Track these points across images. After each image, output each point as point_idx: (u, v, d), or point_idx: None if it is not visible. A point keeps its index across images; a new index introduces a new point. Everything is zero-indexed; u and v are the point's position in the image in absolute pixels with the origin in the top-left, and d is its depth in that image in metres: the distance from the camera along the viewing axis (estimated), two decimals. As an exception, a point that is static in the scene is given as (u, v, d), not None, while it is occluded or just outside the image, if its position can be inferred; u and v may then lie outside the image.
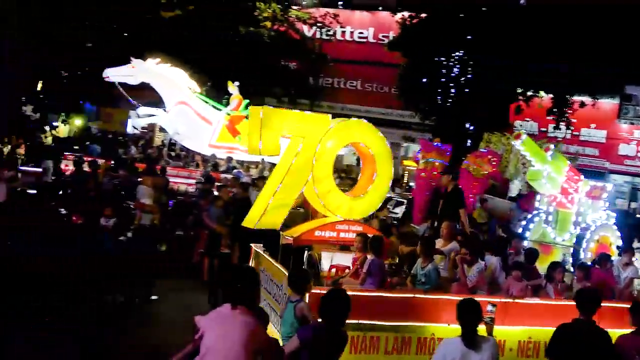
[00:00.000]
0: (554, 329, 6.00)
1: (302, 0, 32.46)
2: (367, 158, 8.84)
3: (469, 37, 24.62)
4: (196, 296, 10.33)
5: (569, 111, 25.75)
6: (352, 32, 35.08)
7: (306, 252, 8.60)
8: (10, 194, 12.31)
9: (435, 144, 14.86)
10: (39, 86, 28.02)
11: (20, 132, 20.80)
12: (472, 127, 25.21)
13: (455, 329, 7.08)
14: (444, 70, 26.12)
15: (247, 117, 16.64)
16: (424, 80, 26.43)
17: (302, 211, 9.68)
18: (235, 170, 18.39)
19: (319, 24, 31.69)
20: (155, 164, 16.19)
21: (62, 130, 29.14)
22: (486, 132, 17.49)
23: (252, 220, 8.10)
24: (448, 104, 26.48)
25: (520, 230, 12.13)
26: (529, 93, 25.73)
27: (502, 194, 16.79)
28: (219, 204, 11.30)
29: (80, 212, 12.11)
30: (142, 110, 16.28)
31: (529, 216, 12.40)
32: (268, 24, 29.39)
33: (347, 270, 8.53)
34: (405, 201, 16.08)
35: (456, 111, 25.50)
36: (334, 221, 8.41)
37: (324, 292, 5.31)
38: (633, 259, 10.21)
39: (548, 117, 26.67)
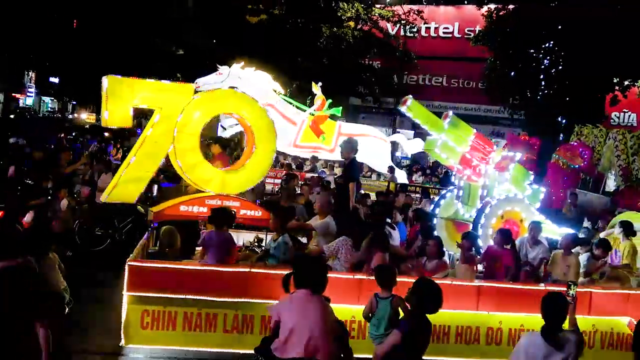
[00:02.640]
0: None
1: (386, -2, 32.43)
2: (247, 130, 8.46)
3: (559, 27, 23.70)
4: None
5: (672, 101, 24.18)
6: (436, 28, 34.67)
7: (163, 227, 8.09)
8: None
9: (522, 137, 14.47)
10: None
11: (117, 137, 22.06)
12: (564, 120, 24.20)
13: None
14: (533, 63, 25.28)
15: (330, 117, 16.83)
16: (512, 73, 25.68)
17: (178, 187, 9.27)
18: (320, 170, 18.68)
19: (402, 21, 31.48)
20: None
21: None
22: (577, 125, 16.79)
23: (105, 194, 7.73)
24: (538, 97, 25.60)
25: (431, 207, 11.25)
26: (626, 82, 24.35)
27: (597, 189, 16.04)
28: (300, 202, 11.48)
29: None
30: (227, 122, 16.80)
31: (443, 192, 11.58)
32: (352, 23, 29.55)
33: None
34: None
35: (547, 104, 24.59)
36: (203, 196, 7.98)
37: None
38: (542, 236, 8.98)
39: (648, 108, 25.17)
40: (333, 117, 17.37)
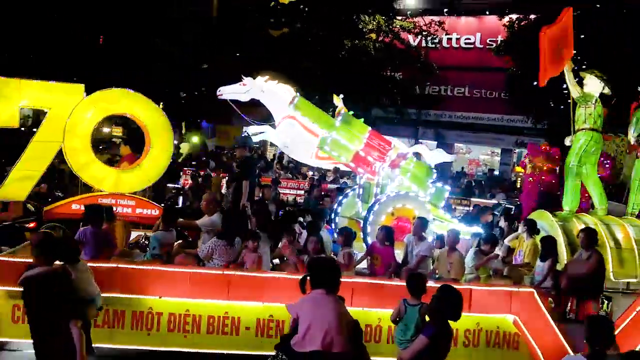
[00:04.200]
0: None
1: (407, 9, 32.52)
2: (143, 130, 8.59)
3: (582, 36, 23.58)
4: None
5: (698, 108, 23.76)
6: (458, 39, 34.69)
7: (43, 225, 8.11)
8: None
9: (543, 147, 14.49)
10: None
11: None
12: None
13: (169, 301, 6.66)
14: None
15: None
16: (535, 83, 25.57)
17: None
18: (342, 181, 18.86)
19: (424, 33, 31.60)
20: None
21: (183, 147, 31.07)
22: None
23: None
24: (562, 107, 25.44)
25: (335, 206, 11.32)
26: (651, 91, 24.10)
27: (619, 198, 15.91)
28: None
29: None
30: (252, 129, 17.09)
31: (347, 191, 11.66)
32: (373, 35, 29.72)
33: None
34: (513, 207, 15.71)
35: (570, 113, 24.40)
36: (96, 195, 8.09)
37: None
38: (424, 233, 8.86)
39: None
40: (354, 128, 17.57)
